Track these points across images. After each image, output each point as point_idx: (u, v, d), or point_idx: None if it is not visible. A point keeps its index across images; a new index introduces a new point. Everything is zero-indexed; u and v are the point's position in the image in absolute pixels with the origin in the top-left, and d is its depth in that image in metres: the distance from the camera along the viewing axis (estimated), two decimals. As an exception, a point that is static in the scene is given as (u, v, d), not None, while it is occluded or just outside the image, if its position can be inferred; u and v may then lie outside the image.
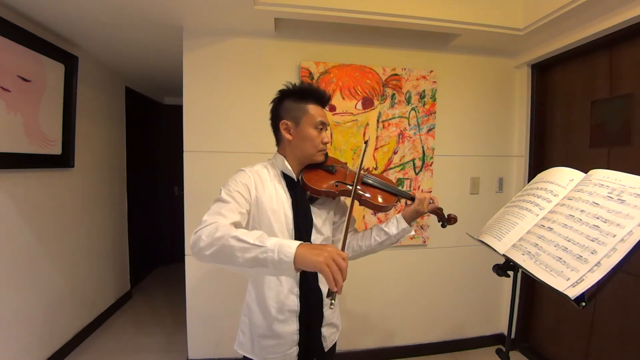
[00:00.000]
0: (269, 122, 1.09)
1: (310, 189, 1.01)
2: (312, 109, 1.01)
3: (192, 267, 2.01)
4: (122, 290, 3.06)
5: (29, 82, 1.83)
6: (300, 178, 1.04)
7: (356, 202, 1.02)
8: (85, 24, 1.94)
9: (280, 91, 1.05)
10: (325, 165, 1.07)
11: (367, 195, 1.07)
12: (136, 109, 3.39)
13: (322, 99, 1.04)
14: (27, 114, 1.82)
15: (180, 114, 1.99)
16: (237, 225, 0.85)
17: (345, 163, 1.15)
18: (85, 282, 2.47)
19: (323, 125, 1.03)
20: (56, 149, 2.09)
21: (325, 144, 1.04)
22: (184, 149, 1.97)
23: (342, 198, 1.18)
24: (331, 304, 0.69)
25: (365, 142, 1.20)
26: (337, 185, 1.03)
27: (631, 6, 1.52)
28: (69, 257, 2.29)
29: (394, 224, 1.09)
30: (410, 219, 1.09)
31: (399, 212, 1.13)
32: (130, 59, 2.61)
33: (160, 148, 4.02)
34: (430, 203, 1.11)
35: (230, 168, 1.95)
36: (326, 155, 1.08)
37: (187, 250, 1.99)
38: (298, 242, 0.71)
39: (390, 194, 1.10)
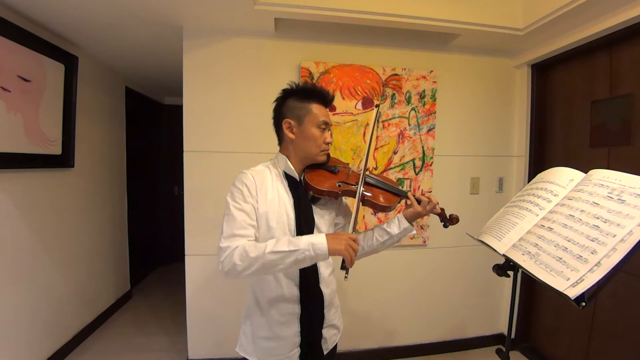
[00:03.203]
0: (269, 121, 1.09)
1: (313, 189, 1.01)
2: (316, 108, 1.01)
3: (192, 267, 2.01)
4: (122, 290, 3.06)
5: (29, 82, 1.83)
6: (302, 178, 1.04)
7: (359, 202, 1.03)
8: (85, 24, 1.94)
9: (283, 90, 1.05)
10: (327, 166, 1.07)
11: (370, 195, 1.07)
12: (136, 109, 3.39)
13: (326, 99, 1.04)
14: (27, 114, 1.82)
15: (180, 114, 1.99)
16: (254, 239, 0.94)
17: (347, 164, 1.15)
18: (86, 282, 2.47)
19: (326, 125, 1.03)
20: (56, 149, 2.09)
21: (328, 144, 1.04)
22: (184, 148, 1.97)
23: (344, 199, 1.18)
24: (345, 276, 0.87)
25: (377, 106, 1.15)
26: (339, 186, 1.03)
27: (631, 6, 1.52)
28: (69, 257, 2.29)
29: (396, 223, 1.09)
30: (411, 219, 1.09)
31: (399, 212, 1.13)
32: (130, 59, 2.61)
33: (160, 148, 4.02)
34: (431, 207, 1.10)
35: (230, 168, 1.97)
36: (328, 155, 1.08)
37: (187, 250, 1.99)
38: (324, 236, 0.87)
39: (393, 194, 1.10)
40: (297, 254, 0.85)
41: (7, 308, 1.75)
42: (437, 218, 1.16)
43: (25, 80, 1.80)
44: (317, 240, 0.86)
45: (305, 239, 0.86)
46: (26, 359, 1.86)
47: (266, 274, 0.93)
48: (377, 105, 1.16)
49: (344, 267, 0.87)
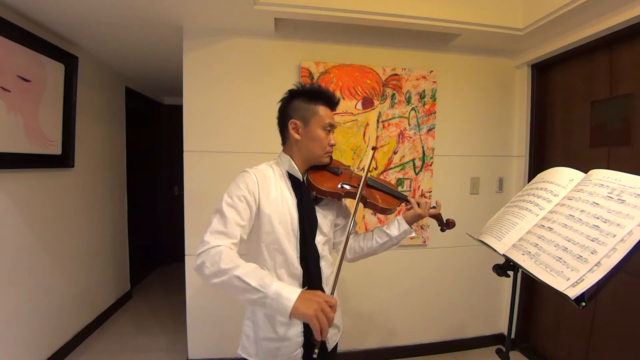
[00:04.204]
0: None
1: (316, 189, 1.02)
2: (322, 110, 1.02)
3: (192, 267, 2.00)
4: (122, 290, 3.06)
5: (29, 82, 1.83)
6: (305, 178, 1.04)
7: (360, 204, 1.03)
8: (85, 24, 1.93)
9: (290, 91, 1.05)
10: (330, 167, 1.09)
11: (371, 197, 1.08)
12: (136, 109, 3.39)
13: (332, 102, 1.05)
14: (27, 114, 1.82)
15: (180, 114, 1.99)
16: (238, 242, 0.90)
17: (349, 166, 1.16)
18: (85, 282, 2.47)
19: (331, 127, 1.04)
20: (56, 149, 2.09)
21: (332, 146, 1.05)
22: (184, 148, 1.97)
23: (344, 200, 1.19)
24: (314, 352, 0.74)
25: (373, 149, 1.19)
26: (342, 187, 1.04)
27: (631, 6, 1.52)
28: (69, 257, 2.29)
29: (396, 225, 1.10)
30: (411, 222, 1.10)
31: (399, 213, 1.14)
32: (130, 59, 2.61)
33: (160, 148, 4.02)
34: (432, 208, 1.12)
35: (230, 168, 1.97)
36: (331, 157, 1.08)
37: (187, 250, 1.99)
38: (297, 294, 0.75)
39: (394, 197, 1.12)
40: (259, 295, 0.76)
41: (7, 308, 1.75)
42: (436, 222, 1.18)
43: (25, 80, 1.80)
44: (287, 294, 0.75)
45: (276, 286, 0.76)
46: (26, 359, 1.86)
47: (230, 295, 0.83)
48: (374, 148, 1.19)
49: (314, 340, 0.72)
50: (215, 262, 0.81)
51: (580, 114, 1.98)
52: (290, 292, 0.76)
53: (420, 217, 1.10)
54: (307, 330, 1.02)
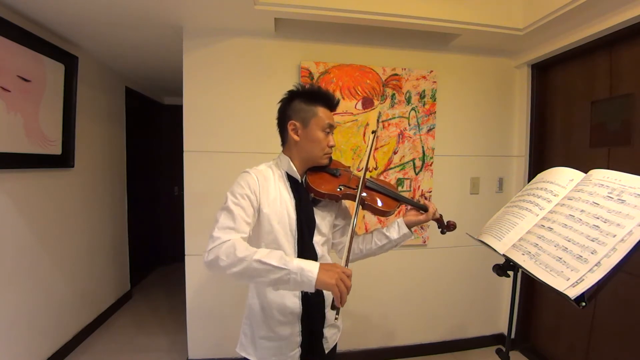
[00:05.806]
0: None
1: (314, 191, 1.02)
2: (321, 111, 1.02)
3: (192, 267, 2.01)
4: (122, 290, 3.06)
5: (29, 82, 1.83)
6: (304, 180, 1.04)
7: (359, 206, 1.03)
8: (85, 23, 1.94)
9: (289, 92, 1.05)
10: (329, 169, 1.08)
11: (370, 199, 1.08)
12: (136, 109, 3.39)
13: (331, 103, 1.05)
14: (27, 114, 1.82)
15: (180, 114, 1.99)
16: (247, 237, 0.91)
17: (349, 167, 1.16)
18: (86, 282, 2.47)
19: (330, 129, 1.04)
20: (56, 149, 2.09)
21: (332, 147, 1.05)
22: (184, 148, 1.97)
23: (344, 201, 1.19)
24: (336, 317, 0.79)
25: (373, 132, 1.17)
26: (340, 189, 1.04)
27: (631, 6, 1.52)
28: (69, 257, 2.29)
29: (395, 228, 1.10)
30: (411, 225, 1.10)
31: (399, 214, 1.14)
32: (130, 59, 2.61)
33: (160, 148, 4.02)
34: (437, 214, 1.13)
35: (230, 168, 1.97)
36: (330, 158, 1.08)
37: (187, 250, 1.99)
38: (317, 265, 0.80)
39: (393, 199, 1.11)
40: (283, 273, 0.79)
41: (8, 308, 1.75)
42: (436, 224, 1.18)
43: (25, 80, 1.80)
44: (308, 267, 0.79)
45: (297, 262, 0.80)
46: (26, 359, 1.86)
47: (248, 281, 0.88)
48: (374, 132, 1.17)
49: (334, 306, 0.78)
50: (230, 254, 0.82)
51: (580, 114, 1.98)
52: (311, 265, 0.80)
53: (422, 222, 1.10)
54: (306, 330, 1.02)
